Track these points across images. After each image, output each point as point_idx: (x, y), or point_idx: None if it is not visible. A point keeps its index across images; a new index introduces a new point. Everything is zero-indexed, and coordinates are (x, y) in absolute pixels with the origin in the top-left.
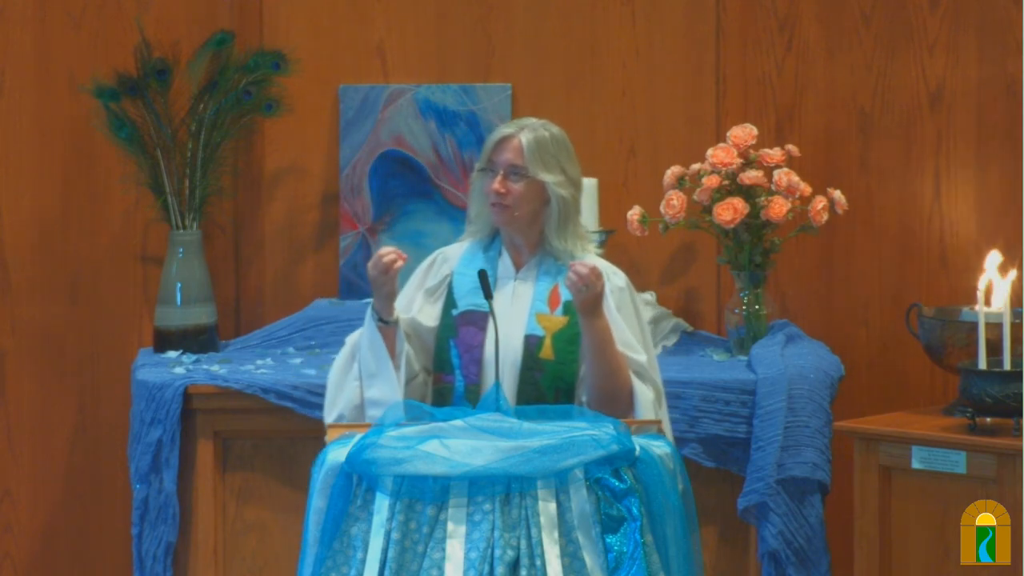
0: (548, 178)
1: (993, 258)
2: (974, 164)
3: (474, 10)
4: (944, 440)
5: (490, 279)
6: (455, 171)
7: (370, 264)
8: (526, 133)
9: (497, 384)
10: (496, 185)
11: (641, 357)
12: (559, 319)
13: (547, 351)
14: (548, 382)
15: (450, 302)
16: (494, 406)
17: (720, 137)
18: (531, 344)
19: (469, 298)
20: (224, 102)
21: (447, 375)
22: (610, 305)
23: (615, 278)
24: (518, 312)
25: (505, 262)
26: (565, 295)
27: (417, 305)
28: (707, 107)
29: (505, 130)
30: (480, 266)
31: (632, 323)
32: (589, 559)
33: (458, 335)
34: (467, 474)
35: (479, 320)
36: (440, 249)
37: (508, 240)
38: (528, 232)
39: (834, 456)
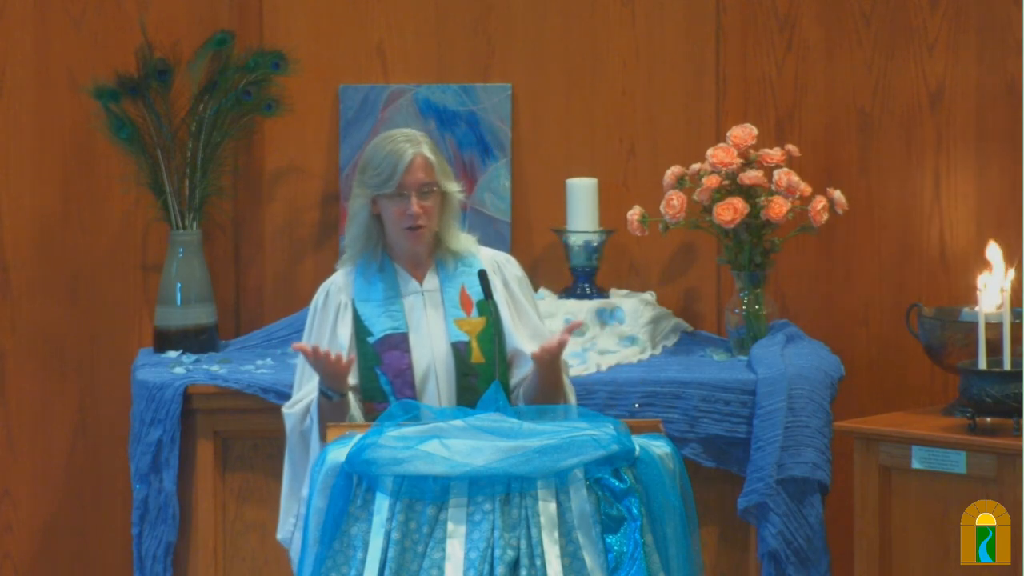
0: (451, 187)
1: (993, 251)
2: (974, 164)
3: (474, 10)
4: (944, 440)
5: (398, 299)
6: (455, 171)
7: (321, 366)
8: (423, 147)
9: (497, 383)
10: (416, 208)
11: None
12: (477, 321)
13: (476, 355)
14: (484, 384)
15: (362, 330)
16: (494, 406)
17: (720, 137)
18: (460, 350)
19: (382, 322)
20: (224, 102)
21: (379, 403)
22: (515, 293)
23: (510, 266)
24: (435, 323)
25: (404, 278)
26: (475, 295)
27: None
28: (707, 107)
29: (407, 151)
30: (382, 289)
31: (535, 309)
32: (589, 559)
33: (383, 362)
34: (467, 474)
35: (400, 343)
36: (325, 282)
37: (403, 256)
38: (429, 243)
39: (834, 456)
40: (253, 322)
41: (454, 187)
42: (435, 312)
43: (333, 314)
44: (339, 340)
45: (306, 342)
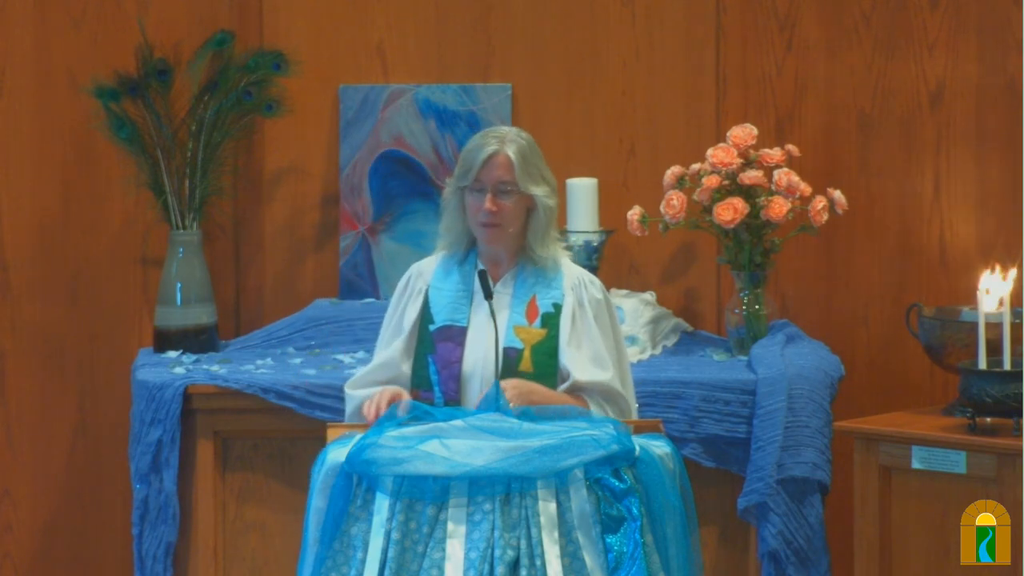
0: (537, 191)
1: (987, 278)
2: (974, 164)
3: (474, 10)
4: (944, 440)
5: (468, 295)
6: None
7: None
8: (510, 147)
9: (497, 384)
10: (489, 204)
11: (607, 375)
12: (537, 331)
13: (526, 363)
14: None
15: (427, 317)
16: (494, 406)
17: (720, 137)
18: (510, 357)
19: (446, 313)
20: (224, 102)
21: (425, 391)
22: (587, 315)
23: (592, 288)
24: (497, 325)
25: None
26: (543, 307)
27: (400, 352)
28: (707, 107)
29: (488, 147)
30: (456, 282)
31: (607, 335)
32: (589, 559)
33: (436, 351)
34: (467, 474)
35: (457, 336)
36: (414, 264)
37: (486, 254)
38: (512, 245)
39: (834, 456)
40: (253, 322)
41: (540, 191)
42: (500, 315)
43: (407, 298)
44: (404, 324)
45: (383, 326)
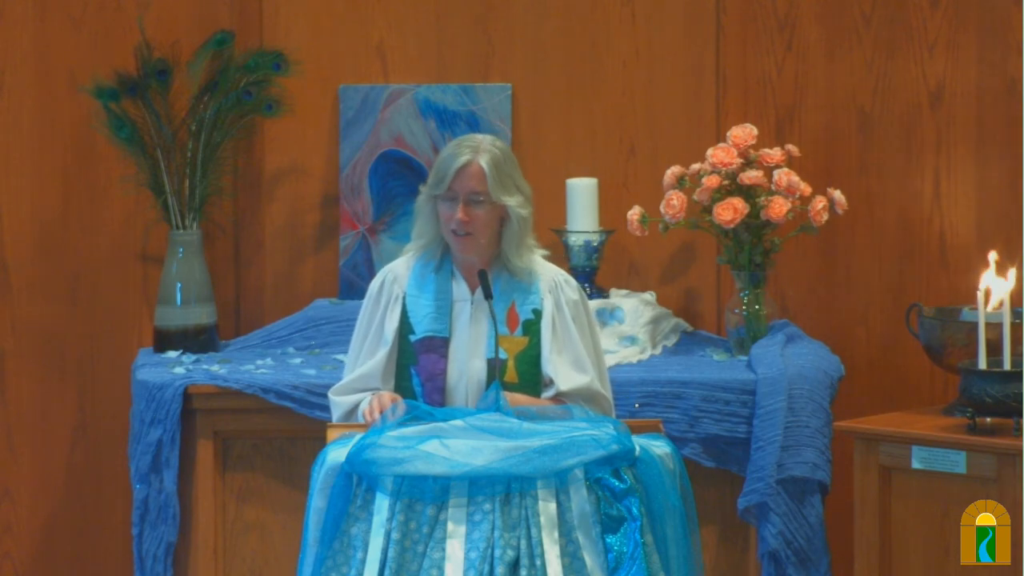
0: (510, 201)
1: (993, 258)
2: (974, 164)
3: (474, 10)
4: (944, 440)
5: (447, 304)
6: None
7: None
8: (483, 157)
9: (496, 383)
10: (460, 215)
11: (587, 378)
12: (520, 340)
13: (511, 374)
14: None
15: (406, 326)
16: (494, 406)
17: (720, 137)
18: (495, 367)
19: (427, 323)
20: (224, 102)
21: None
22: (566, 317)
23: (568, 289)
24: (478, 335)
25: (459, 284)
26: (524, 314)
27: (383, 363)
28: (707, 107)
29: (462, 156)
30: (434, 290)
31: (585, 335)
32: (589, 559)
33: (418, 363)
34: (467, 474)
35: (439, 347)
36: (386, 267)
37: (460, 261)
38: (485, 253)
39: (834, 456)
40: (253, 322)
41: (513, 202)
42: (480, 324)
43: (384, 305)
44: (386, 334)
45: (358, 328)
